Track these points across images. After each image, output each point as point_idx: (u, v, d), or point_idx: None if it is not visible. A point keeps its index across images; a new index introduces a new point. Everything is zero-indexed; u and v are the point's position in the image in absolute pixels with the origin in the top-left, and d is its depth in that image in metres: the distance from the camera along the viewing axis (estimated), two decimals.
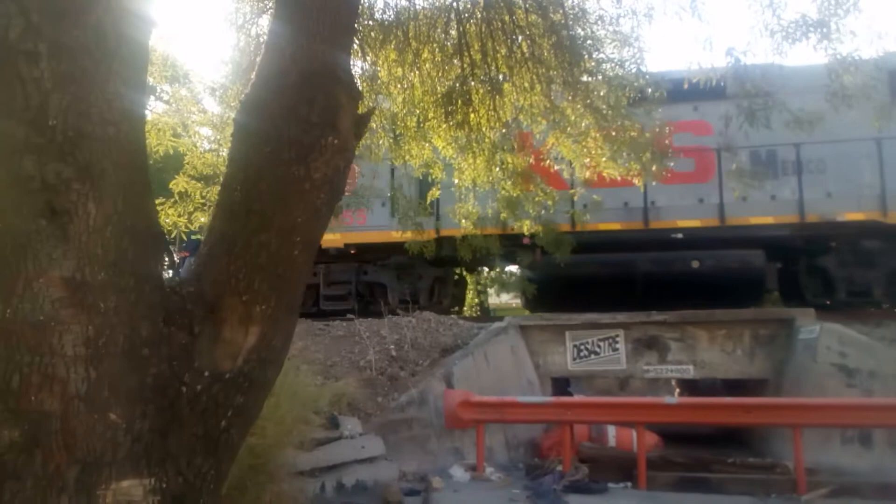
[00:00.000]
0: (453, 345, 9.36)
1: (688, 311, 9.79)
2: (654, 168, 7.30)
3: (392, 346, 9.30)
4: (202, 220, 7.75)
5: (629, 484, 7.00)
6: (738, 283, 10.77)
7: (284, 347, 2.87)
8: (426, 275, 12.12)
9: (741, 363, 9.36)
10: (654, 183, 8.70)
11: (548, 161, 8.40)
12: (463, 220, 8.91)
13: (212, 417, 2.47)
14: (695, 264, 10.69)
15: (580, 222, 10.28)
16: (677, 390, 12.70)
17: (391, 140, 8.12)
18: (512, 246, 10.46)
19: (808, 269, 11.15)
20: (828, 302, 10.77)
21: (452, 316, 10.65)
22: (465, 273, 14.46)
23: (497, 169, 8.33)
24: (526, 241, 9.97)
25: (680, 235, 10.96)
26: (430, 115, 7.51)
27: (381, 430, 7.51)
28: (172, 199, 7.87)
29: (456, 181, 8.32)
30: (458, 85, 7.34)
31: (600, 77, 7.17)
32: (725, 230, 10.77)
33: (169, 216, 7.67)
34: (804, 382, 8.33)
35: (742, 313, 9.80)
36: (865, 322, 9.34)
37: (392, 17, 6.92)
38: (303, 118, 2.69)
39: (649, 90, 6.87)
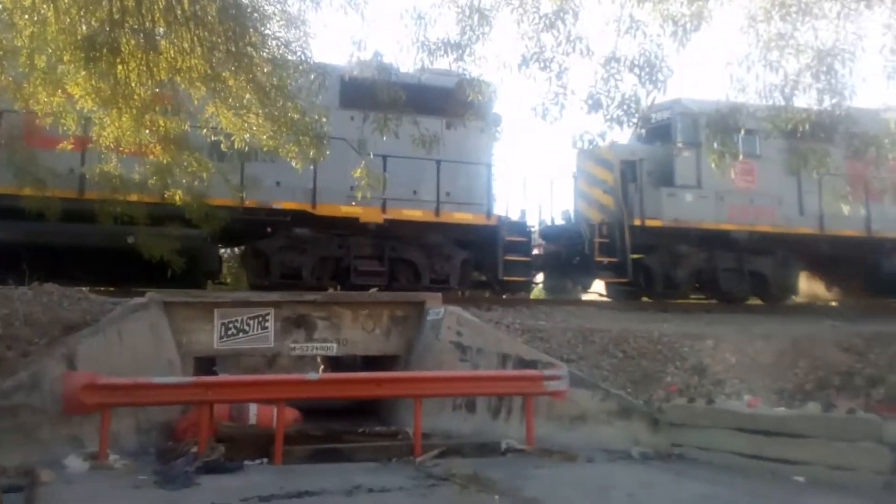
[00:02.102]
0: (81, 321, 8.34)
1: (336, 292, 10.31)
2: (311, 152, 7.50)
3: None
4: None
5: (265, 460, 7.11)
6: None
7: None
8: None
9: (379, 341, 10.18)
10: None
11: (204, 130, 8.02)
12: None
13: None
14: (130, 240, 9.70)
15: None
16: (322, 367, 13.28)
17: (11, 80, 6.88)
18: None
19: (253, 252, 11.88)
20: (266, 283, 11.51)
21: (83, 288, 9.46)
22: None
23: (147, 131, 7.69)
24: None
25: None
26: (67, 58, 6.57)
27: None
28: None
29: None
30: (105, 30, 6.54)
31: (266, 53, 7.10)
32: (161, 208, 9.69)
33: None
34: (428, 358, 9.43)
35: (382, 296, 10.67)
36: (480, 306, 10.98)
37: None
38: None
39: (313, 76, 7.03)
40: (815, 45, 6.50)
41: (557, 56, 6.70)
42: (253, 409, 8.34)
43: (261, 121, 7.55)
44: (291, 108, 7.51)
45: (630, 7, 6.64)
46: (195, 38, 6.85)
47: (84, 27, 6.56)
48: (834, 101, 6.37)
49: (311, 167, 10.03)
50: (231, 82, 7.25)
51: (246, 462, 6.96)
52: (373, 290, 11.17)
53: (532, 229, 13.71)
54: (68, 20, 6.44)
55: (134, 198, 8.90)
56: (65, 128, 7.67)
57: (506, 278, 12.45)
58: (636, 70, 6.56)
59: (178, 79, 7.31)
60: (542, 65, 6.46)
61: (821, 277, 15.37)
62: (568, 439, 7.91)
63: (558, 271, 13.92)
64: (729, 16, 7.35)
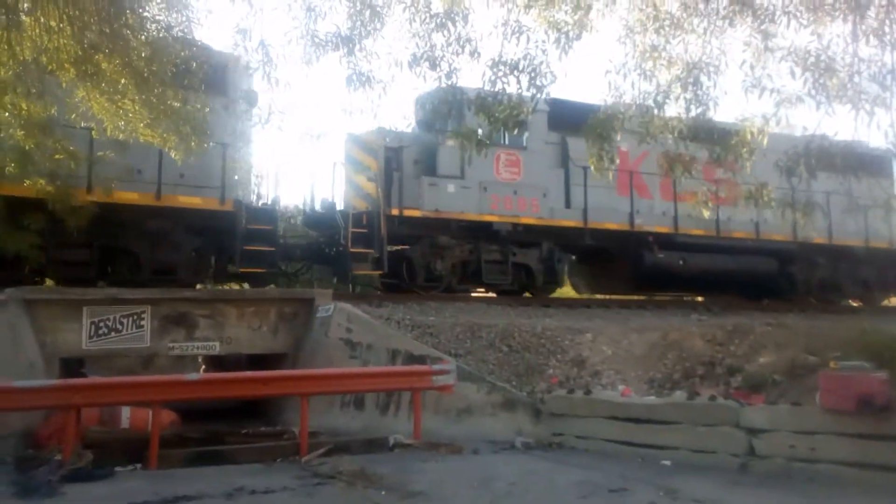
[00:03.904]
0: None
1: (220, 289, 9.94)
2: (193, 143, 7.20)
3: None
4: None
5: (139, 466, 6.75)
6: None
7: None
8: None
9: (266, 339, 9.92)
10: None
11: (74, 115, 7.50)
12: None
13: None
14: None
15: None
16: (203, 367, 12.77)
17: None
18: None
19: None
20: None
21: None
22: None
23: (7, 114, 7.10)
24: None
25: None
26: None
27: None
28: None
29: None
30: None
31: (144, 37, 6.73)
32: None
33: None
34: (317, 355, 9.30)
35: (270, 292, 10.43)
36: (371, 303, 10.95)
37: None
38: None
39: (194, 64, 6.75)
40: (685, 58, 6.99)
41: (447, 56, 6.82)
42: (126, 412, 7.91)
43: (137, 107, 7.16)
44: (171, 95, 7.17)
45: (517, 12, 6.85)
46: (64, 17, 6.39)
47: None
48: (699, 110, 6.87)
49: None
50: (105, 66, 6.82)
51: (117, 469, 6.59)
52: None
53: (292, 218, 12.86)
54: None
55: None
56: None
57: (242, 270, 11.31)
58: (521, 73, 6.77)
59: (45, 59, 6.79)
60: (431, 64, 6.54)
61: (589, 270, 15.68)
62: (455, 432, 8.06)
63: (322, 262, 13.17)
64: (609, 27, 7.74)
